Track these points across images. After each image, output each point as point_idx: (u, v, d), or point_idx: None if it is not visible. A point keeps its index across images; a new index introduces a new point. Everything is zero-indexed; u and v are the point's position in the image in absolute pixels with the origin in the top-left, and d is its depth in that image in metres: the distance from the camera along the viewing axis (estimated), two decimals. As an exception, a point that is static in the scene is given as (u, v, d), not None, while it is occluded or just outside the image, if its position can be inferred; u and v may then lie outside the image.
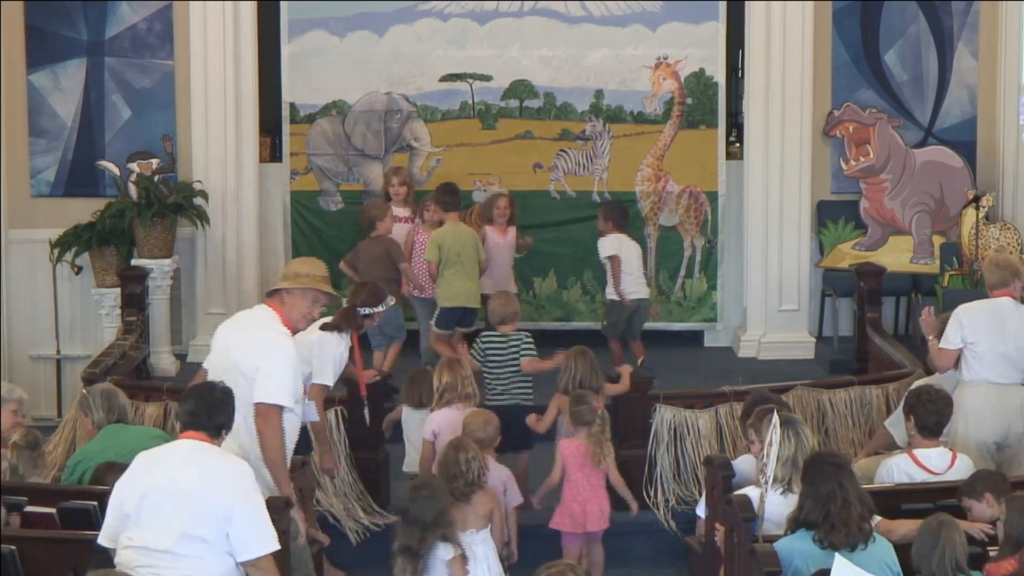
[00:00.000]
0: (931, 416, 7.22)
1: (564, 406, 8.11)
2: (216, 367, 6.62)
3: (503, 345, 8.67)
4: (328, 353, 7.78)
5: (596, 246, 10.79)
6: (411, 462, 8.27)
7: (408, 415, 8.48)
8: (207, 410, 5.82)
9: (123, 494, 5.70)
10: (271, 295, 6.86)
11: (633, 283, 10.52)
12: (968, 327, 7.79)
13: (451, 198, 10.42)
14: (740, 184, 11.59)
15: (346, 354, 7.90)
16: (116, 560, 5.63)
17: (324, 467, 7.88)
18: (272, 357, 6.54)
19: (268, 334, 6.63)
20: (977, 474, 6.79)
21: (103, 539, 5.75)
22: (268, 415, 6.49)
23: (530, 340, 8.71)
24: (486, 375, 8.66)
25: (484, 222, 10.78)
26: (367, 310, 8.03)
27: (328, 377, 7.76)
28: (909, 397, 7.42)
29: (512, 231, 10.68)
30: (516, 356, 8.62)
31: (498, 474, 7.43)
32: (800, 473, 6.26)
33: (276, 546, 5.68)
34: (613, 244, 10.50)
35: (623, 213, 10.76)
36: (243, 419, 6.38)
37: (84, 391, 8.07)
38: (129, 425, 7.73)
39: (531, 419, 8.34)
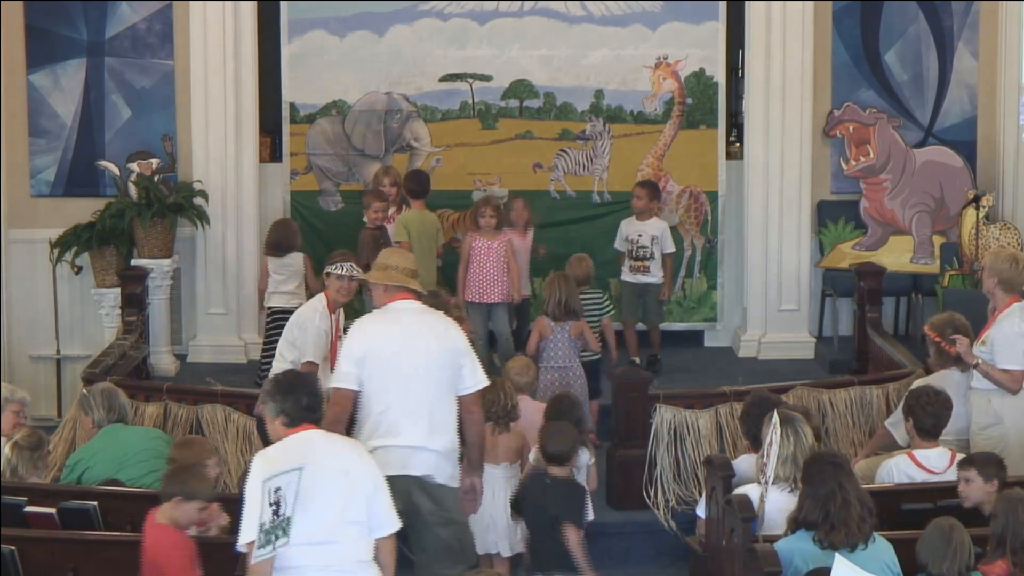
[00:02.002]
0: (929, 418, 7.24)
1: (545, 329, 9.07)
2: (409, 375, 6.52)
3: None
4: (308, 330, 7.92)
5: (599, 245, 10.78)
6: None
7: None
8: (320, 404, 5.88)
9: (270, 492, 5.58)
10: (401, 290, 6.76)
11: None
12: None
13: (418, 186, 10.52)
14: (740, 184, 11.59)
15: (329, 332, 7.97)
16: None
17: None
18: (465, 343, 6.72)
19: (448, 323, 6.76)
20: (988, 455, 6.84)
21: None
22: (480, 398, 6.78)
23: (607, 301, 9.76)
24: None
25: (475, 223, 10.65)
26: (330, 269, 8.08)
27: (312, 353, 7.86)
28: (908, 398, 7.43)
29: (530, 234, 10.70)
30: (594, 313, 9.51)
31: (535, 411, 7.89)
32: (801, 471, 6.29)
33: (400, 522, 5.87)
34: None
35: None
36: (451, 412, 6.61)
37: (85, 390, 8.07)
38: (129, 425, 7.71)
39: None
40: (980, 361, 7.73)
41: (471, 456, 6.87)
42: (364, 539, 5.68)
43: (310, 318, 8.00)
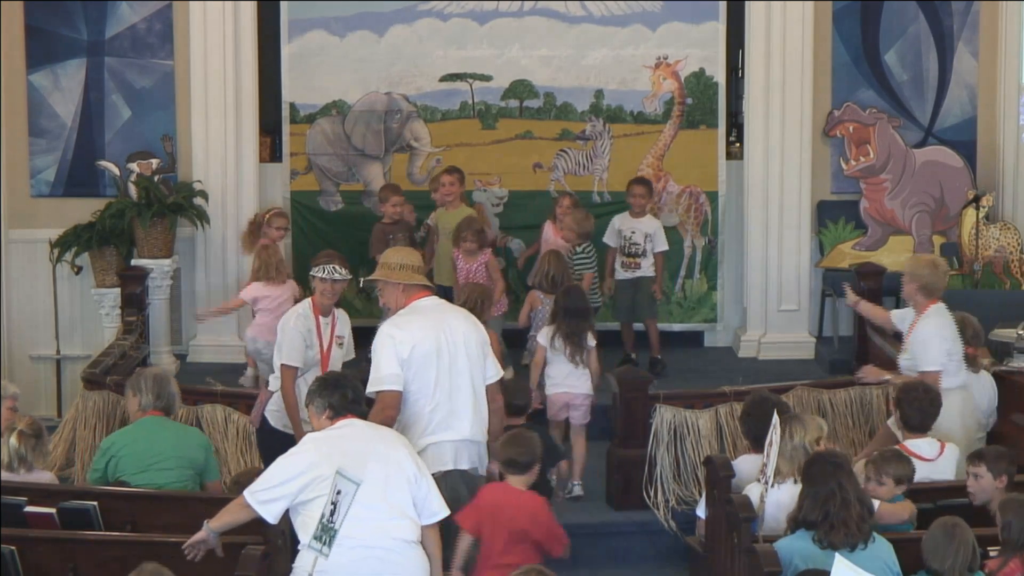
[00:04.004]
0: (916, 413, 7.36)
1: (535, 301, 9.66)
2: (454, 371, 6.66)
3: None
4: (287, 332, 7.73)
5: (600, 245, 10.79)
6: None
7: None
8: (363, 398, 6.13)
9: (313, 474, 5.74)
10: (419, 288, 6.84)
11: None
12: (950, 340, 7.99)
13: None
14: (740, 184, 11.59)
15: (308, 334, 7.79)
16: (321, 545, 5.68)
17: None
18: (486, 335, 6.91)
19: (470, 317, 6.95)
20: (998, 450, 6.91)
21: (273, 518, 5.81)
22: (500, 388, 6.96)
23: (594, 255, 10.50)
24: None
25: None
26: (314, 271, 7.88)
27: (292, 357, 7.68)
28: (899, 392, 7.58)
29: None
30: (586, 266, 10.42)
31: None
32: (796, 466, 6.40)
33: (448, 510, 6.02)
34: None
35: None
36: (485, 403, 6.74)
37: (137, 370, 7.98)
38: (170, 422, 7.43)
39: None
40: (889, 377, 8.08)
41: (492, 444, 6.97)
42: (407, 520, 5.80)
43: (287, 319, 7.85)
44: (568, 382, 8.81)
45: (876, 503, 6.35)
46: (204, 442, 7.49)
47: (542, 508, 6.65)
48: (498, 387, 6.93)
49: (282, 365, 7.73)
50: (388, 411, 6.55)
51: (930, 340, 7.93)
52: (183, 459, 7.19)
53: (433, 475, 6.39)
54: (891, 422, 8.13)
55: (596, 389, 8.89)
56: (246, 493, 5.84)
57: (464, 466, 6.69)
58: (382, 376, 6.60)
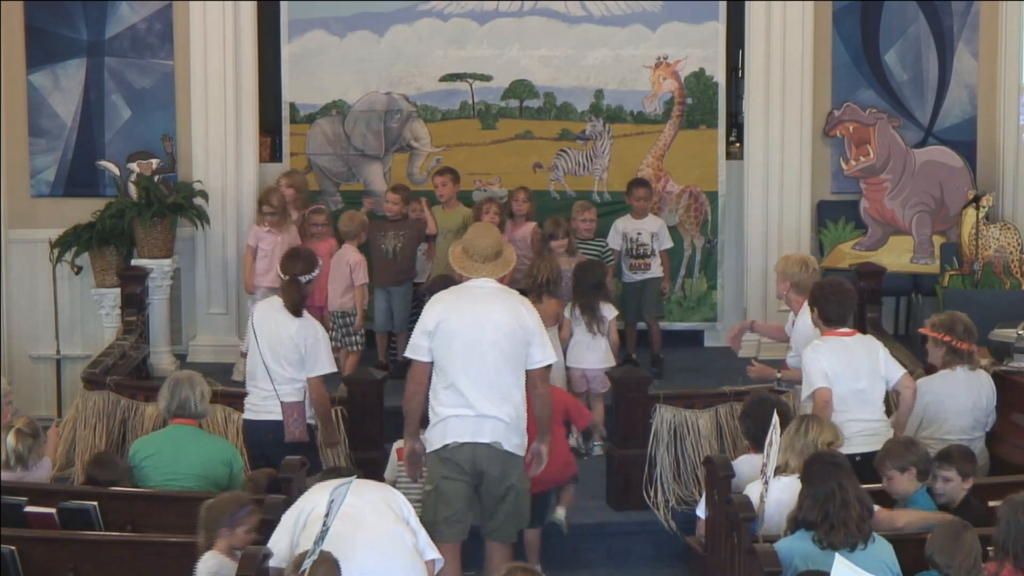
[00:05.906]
0: (834, 307, 7.54)
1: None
2: (476, 348, 6.79)
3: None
4: (320, 341, 7.80)
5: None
6: None
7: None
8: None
9: (305, 502, 5.80)
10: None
11: None
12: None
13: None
14: (740, 184, 11.59)
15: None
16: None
17: (330, 441, 8.20)
18: (534, 322, 6.94)
19: (520, 302, 7.02)
20: (964, 450, 6.97)
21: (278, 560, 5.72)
22: (546, 375, 7.08)
23: (608, 251, 10.63)
24: None
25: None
26: (307, 278, 7.95)
27: (327, 365, 7.82)
28: (813, 290, 7.76)
29: (528, 227, 10.67)
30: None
31: (356, 257, 10.00)
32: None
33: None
34: None
35: None
36: (517, 384, 6.89)
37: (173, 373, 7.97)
38: (197, 432, 7.32)
39: None
40: (779, 375, 8.22)
41: (539, 426, 7.09)
42: (404, 526, 5.78)
43: (314, 330, 7.86)
44: (584, 356, 9.35)
45: (876, 507, 6.35)
46: (228, 456, 7.31)
47: (565, 392, 8.45)
48: (543, 374, 7.00)
49: (323, 376, 7.82)
50: (411, 382, 6.96)
51: (808, 333, 8.01)
52: (204, 478, 7.12)
53: (448, 446, 6.74)
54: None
55: (616, 357, 9.43)
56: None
57: (483, 440, 6.84)
58: (411, 345, 6.97)
